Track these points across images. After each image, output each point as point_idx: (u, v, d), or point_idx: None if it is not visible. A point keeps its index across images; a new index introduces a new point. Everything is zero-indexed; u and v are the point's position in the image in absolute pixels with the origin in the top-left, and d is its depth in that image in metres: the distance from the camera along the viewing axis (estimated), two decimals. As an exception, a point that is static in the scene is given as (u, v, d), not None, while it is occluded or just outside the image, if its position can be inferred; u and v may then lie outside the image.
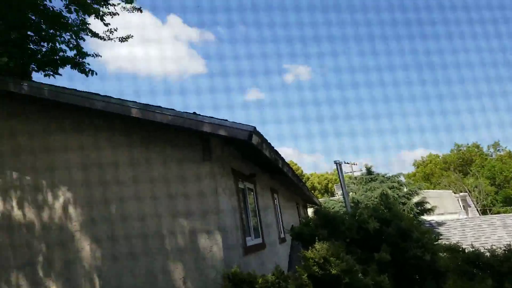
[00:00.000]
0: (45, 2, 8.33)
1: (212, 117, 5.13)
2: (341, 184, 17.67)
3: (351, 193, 24.45)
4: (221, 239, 5.24)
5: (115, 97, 5.46)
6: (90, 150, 5.76)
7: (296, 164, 60.05)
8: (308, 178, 64.27)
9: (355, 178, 26.89)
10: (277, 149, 6.66)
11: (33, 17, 8.67)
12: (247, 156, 7.26)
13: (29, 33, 8.77)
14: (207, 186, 5.41)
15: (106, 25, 9.10)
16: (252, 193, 7.88)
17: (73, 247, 5.54)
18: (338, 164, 17.75)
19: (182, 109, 5.22)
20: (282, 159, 7.33)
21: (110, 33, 9.34)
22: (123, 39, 9.56)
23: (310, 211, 24.22)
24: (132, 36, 9.67)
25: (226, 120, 5.12)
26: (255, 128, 5.07)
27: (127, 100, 5.34)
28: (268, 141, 5.95)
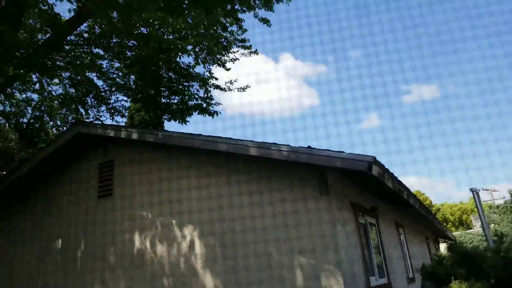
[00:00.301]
0: (176, 60, 9.51)
1: (327, 150, 5.08)
2: (479, 214, 15.60)
3: (492, 224, 21.64)
4: (342, 278, 5.01)
5: (234, 138, 5.80)
6: (212, 188, 6.12)
7: (423, 194, 55.63)
8: (438, 209, 58.68)
9: (497, 207, 23.84)
10: (400, 179, 6.26)
11: (166, 74, 9.97)
12: (367, 188, 6.96)
13: (161, 88, 10.08)
14: (324, 221, 5.29)
15: (227, 69, 10.00)
16: (375, 228, 7.46)
17: (197, 283, 5.83)
18: (475, 191, 15.73)
19: (300, 143, 5.30)
20: (407, 189, 6.85)
21: (231, 83, 10.25)
22: (241, 89, 10.37)
23: (442, 247, 21.91)
24: (249, 86, 10.47)
25: (343, 151, 5.01)
26: (374, 158, 4.85)
27: (244, 140, 5.61)
28: (390, 171, 5.63)
